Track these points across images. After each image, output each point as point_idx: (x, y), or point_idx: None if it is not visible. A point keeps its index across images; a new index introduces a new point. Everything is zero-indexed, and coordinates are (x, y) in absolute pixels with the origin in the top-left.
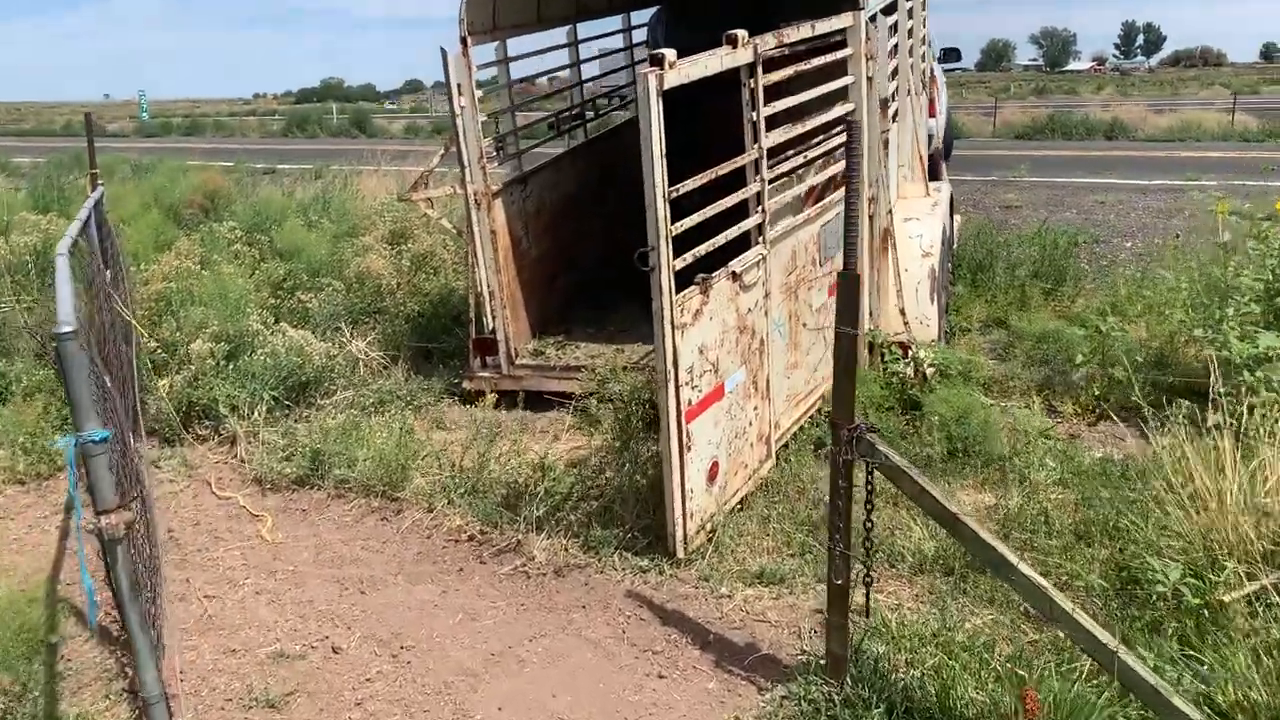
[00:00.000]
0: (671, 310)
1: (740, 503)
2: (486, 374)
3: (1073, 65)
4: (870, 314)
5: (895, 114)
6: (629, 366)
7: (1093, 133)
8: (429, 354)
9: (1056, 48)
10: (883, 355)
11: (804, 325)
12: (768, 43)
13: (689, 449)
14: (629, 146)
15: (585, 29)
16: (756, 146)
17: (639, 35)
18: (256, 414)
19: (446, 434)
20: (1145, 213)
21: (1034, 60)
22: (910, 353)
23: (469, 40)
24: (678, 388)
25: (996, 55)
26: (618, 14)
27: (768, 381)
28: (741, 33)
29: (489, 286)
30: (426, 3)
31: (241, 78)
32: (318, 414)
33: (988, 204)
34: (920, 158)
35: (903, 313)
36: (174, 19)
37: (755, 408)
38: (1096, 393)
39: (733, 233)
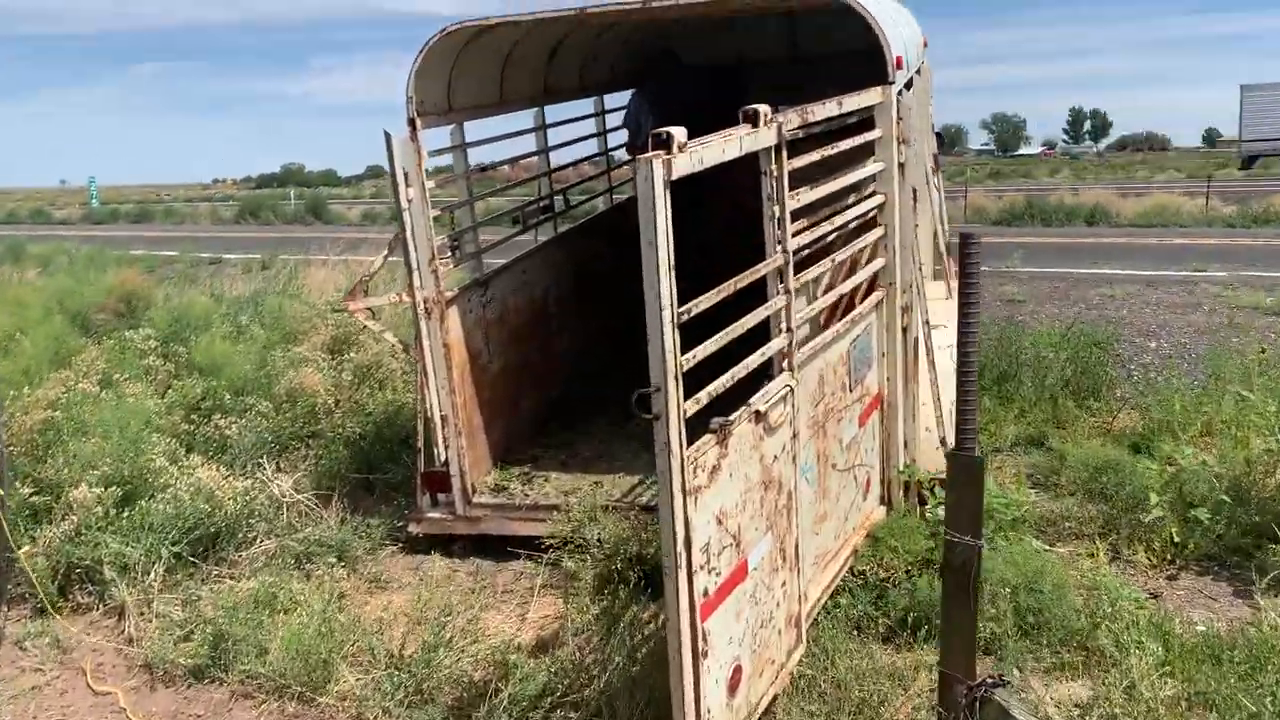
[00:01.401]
0: (682, 471)
1: (767, 708)
2: (438, 514)
3: (1024, 150)
4: (905, 444)
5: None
6: (610, 505)
7: (1072, 218)
8: (370, 486)
9: (1008, 133)
10: (920, 496)
11: (834, 467)
12: (791, 121)
13: (705, 655)
14: (605, 242)
15: (554, 113)
16: (780, 249)
17: (611, 120)
18: (152, 576)
19: (387, 597)
20: (1160, 307)
21: (986, 145)
22: None
23: (418, 122)
24: (690, 575)
25: (950, 140)
26: (589, 96)
27: (796, 546)
28: (764, 109)
29: (441, 410)
30: (394, 88)
31: (202, 164)
32: (230, 572)
33: (986, 299)
34: (941, 252)
35: (943, 442)
36: (133, 105)
37: (783, 583)
38: (1175, 539)
39: (754, 360)
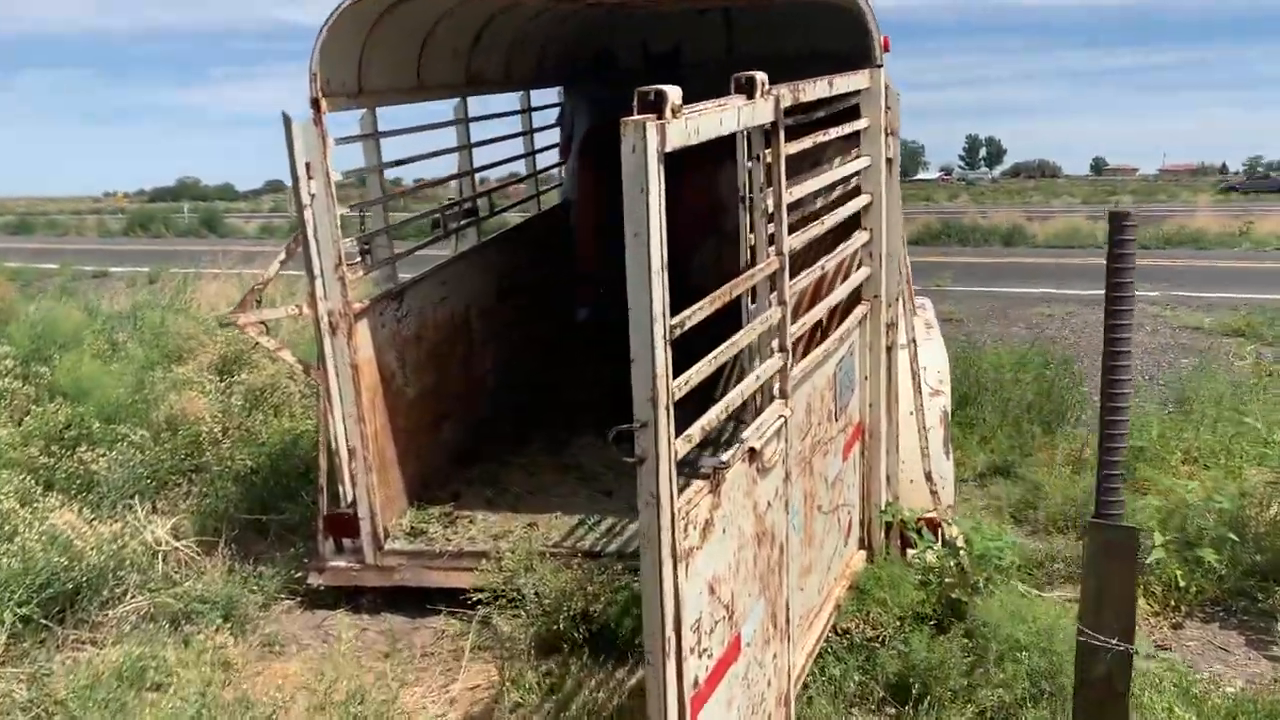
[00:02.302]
0: (673, 529)
1: None
2: (343, 563)
3: (921, 175)
4: (887, 479)
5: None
6: (547, 551)
7: (989, 239)
8: (264, 528)
9: (906, 158)
10: (903, 538)
11: (819, 509)
12: (785, 98)
13: None
14: (531, 250)
15: (476, 107)
16: (773, 251)
17: (537, 119)
18: None
19: (283, 666)
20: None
21: None
22: (943, 534)
23: (323, 104)
24: (680, 663)
25: None
26: (515, 90)
27: (788, 608)
28: (760, 75)
29: (348, 441)
30: (296, 97)
31: (93, 177)
32: (92, 637)
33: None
34: (904, 263)
35: (928, 476)
36: (19, 113)
37: (774, 655)
38: (1180, 583)
39: (748, 387)
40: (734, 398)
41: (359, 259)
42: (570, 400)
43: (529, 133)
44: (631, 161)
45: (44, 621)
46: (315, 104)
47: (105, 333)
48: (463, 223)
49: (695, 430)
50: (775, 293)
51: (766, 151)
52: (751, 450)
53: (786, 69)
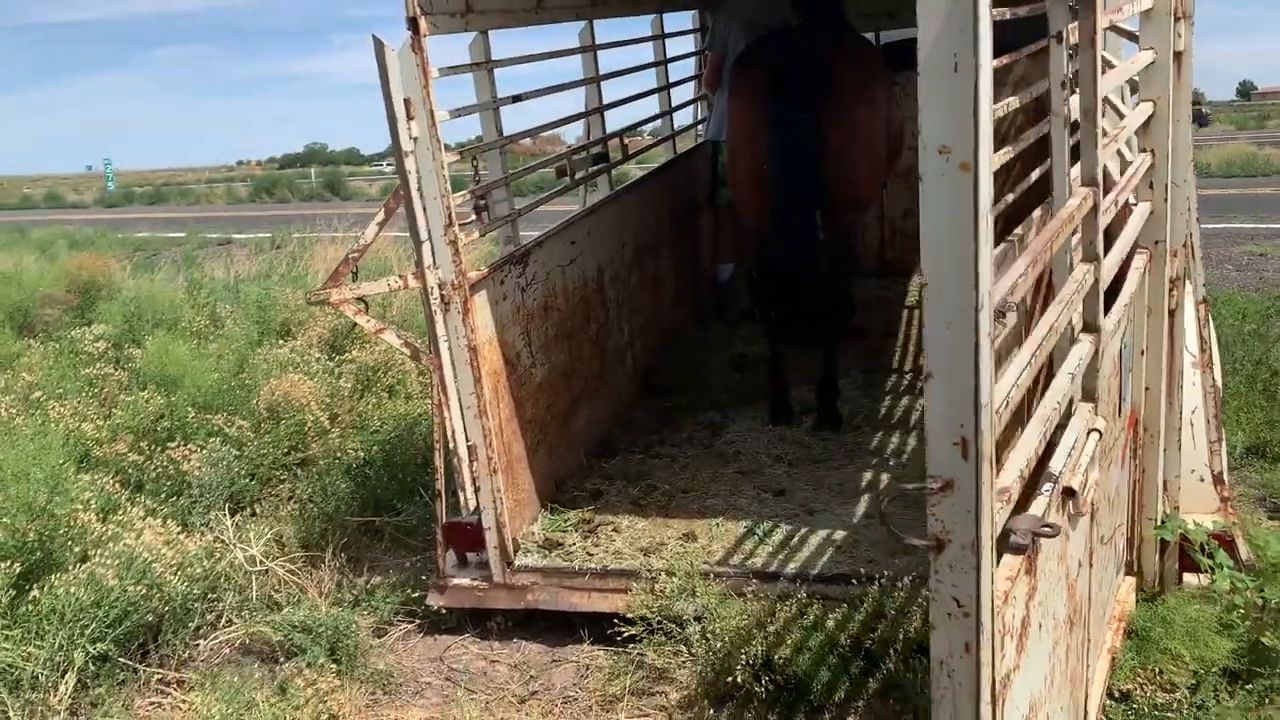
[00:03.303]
0: (991, 652)
1: None
2: (467, 580)
3: None
4: (1164, 485)
5: None
6: (711, 571)
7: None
8: (378, 531)
9: None
10: (1184, 561)
11: (1101, 540)
12: None
13: None
14: (674, 198)
15: (605, 34)
16: (1080, 179)
17: (672, 47)
18: (61, 691)
19: (397, 714)
20: None
21: None
22: (1238, 554)
23: (422, 24)
24: None
25: None
26: (645, 13)
27: (1086, 698)
28: None
29: (468, 438)
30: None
31: (227, 146)
32: (178, 676)
33: None
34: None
35: (1218, 479)
36: (157, 89)
37: None
38: None
39: (1061, 389)
40: (1049, 411)
41: (474, 217)
42: (722, 377)
43: (663, 63)
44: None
45: (123, 660)
46: (413, 24)
47: (209, 307)
48: (592, 169)
49: (1012, 481)
50: (1082, 244)
51: (1072, 28)
52: (1068, 491)
53: None
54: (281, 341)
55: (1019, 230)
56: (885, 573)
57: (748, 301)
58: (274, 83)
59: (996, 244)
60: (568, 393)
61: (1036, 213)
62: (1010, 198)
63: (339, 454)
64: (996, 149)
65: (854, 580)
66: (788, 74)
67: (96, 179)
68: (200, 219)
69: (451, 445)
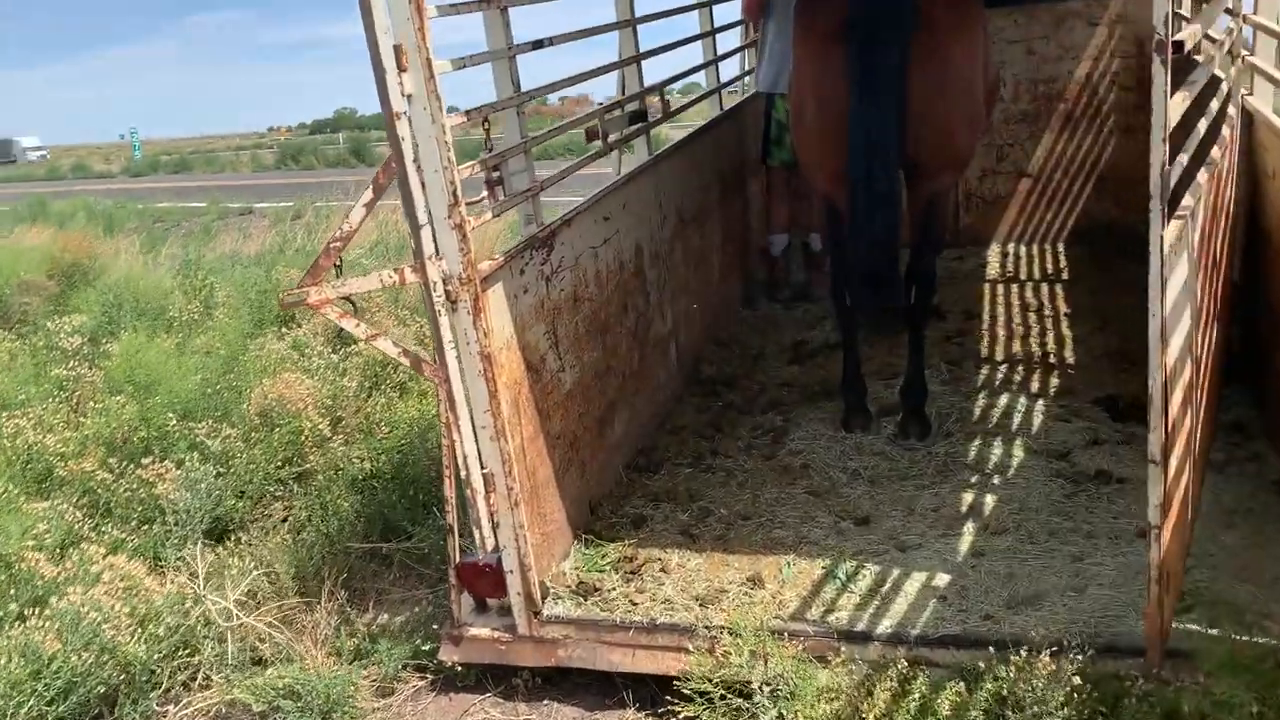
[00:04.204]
0: None
1: None
2: (487, 631)
3: None
4: None
5: None
6: (785, 629)
7: None
8: (386, 558)
9: None
10: None
11: None
12: None
13: None
14: (722, 160)
15: None
16: None
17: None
18: None
19: None
20: None
21: None
22: None
23: None
24: None
25: None
26: None
27: None
28: None
29: (484, 466)
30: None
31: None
32: None
33: None
34: None
35: None
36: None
37: None
38: None
39: None
40: None
41: (486, 193)
42: (780, 369)
43: (707, 3)
44: None
45: None
46: None
47: (203, 292)
48: (627, 131)
49: None
50: None
51: None
52: None
53: None
54: (284, 330)
55: None
56: (1007, 632)
57: (804, 278)
58: (308, 47)
59: None
60: (602, 397)
61: None
62: None
63: (341, 467)
64: None
65: (969, 644)
66: (865, 5)
67: (126, 148)
68: (224, 188)
69: (464, 474)
